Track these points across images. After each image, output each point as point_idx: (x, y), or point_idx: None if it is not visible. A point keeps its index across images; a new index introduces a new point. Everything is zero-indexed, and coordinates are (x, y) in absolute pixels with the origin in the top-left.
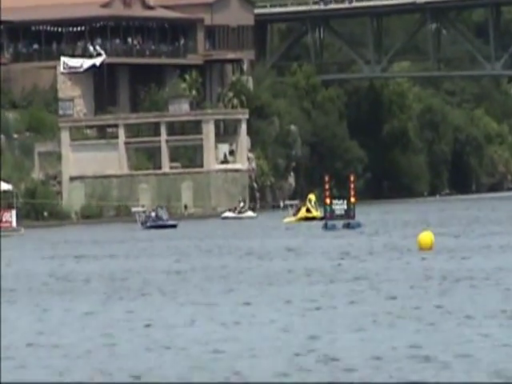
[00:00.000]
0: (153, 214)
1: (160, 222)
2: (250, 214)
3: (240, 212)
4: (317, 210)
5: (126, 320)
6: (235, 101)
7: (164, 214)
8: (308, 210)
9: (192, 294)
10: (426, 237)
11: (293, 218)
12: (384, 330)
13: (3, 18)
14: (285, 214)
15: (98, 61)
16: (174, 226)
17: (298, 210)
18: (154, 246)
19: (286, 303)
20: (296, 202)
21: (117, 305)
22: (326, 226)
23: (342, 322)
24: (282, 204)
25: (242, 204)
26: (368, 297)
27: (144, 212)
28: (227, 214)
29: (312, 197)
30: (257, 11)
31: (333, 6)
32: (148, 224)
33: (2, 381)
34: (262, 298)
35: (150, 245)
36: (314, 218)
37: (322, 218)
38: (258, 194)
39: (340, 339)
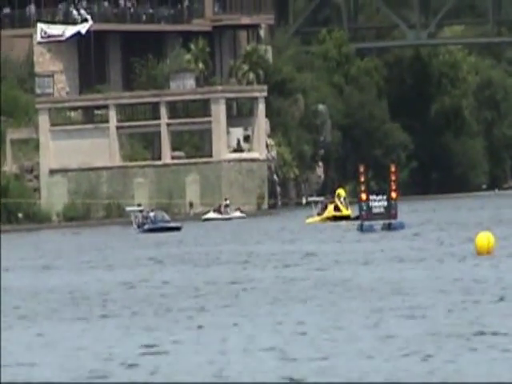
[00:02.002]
0: (151, 215)
1: (160, 224)
2: (237, 214)
3: (226, 213)
4: (347, 208)
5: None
6: (251, 75)
7: (164, 216)
8: (336, 208)
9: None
10: (485, 239)
11: (317, 218)
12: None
13: None
14: (309, 214)
15: (83, 28)
16: (177, 229)
17: (325, 207)
18: (154, 253)
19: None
20: (321, 198)
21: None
22: (361, 228)
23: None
24: (304, 200)
25: (227, 202)
26: (423, 313)
27: (141, 212)
28: (210, 214)
29: (341, 192)
30: None
31: None
32: (146, 227)
33: (2, 381)
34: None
35: (148, 252)
36: (343, 218)
37: (355, 218)
38: (279, 189)
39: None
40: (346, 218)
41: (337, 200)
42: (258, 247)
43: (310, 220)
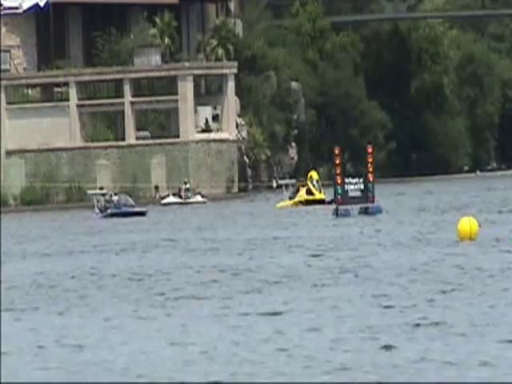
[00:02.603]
0: (115, 199)
1: (124, 209)
2: (198, 198)
3: (186, 197)
4: (320, 192)
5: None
6: (220, 51)
7: (128, 200)
8: (309, 192)
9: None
10: (468, 224)
11: (289, 202)
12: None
13: None
14: (280, 198)
15: (41, 0)
16: (142, 214)
17: (297, 191)
18: (117, 239)
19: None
20: (292, 181)
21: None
22: (336, 212)
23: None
24: (275, 184)
25: (187, 186)
26: (401, 302)
27: (103, 195)
28: (170, 199)
29: (314, 174)
30: None
31: None
32: (109, 211)
33: (2, 381)
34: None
35: (111, 238)
36: (317, 202)
37: (329, 202)
38: (249, 172)
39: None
40: (320, 202)
41: (309, 183)
42: (220, 233)
43: (280, 204)
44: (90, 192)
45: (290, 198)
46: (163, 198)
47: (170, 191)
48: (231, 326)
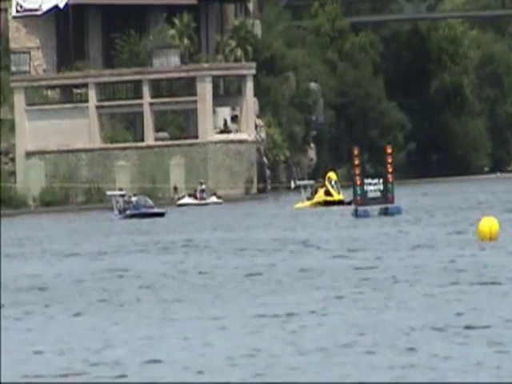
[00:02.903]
0: (134, 199)
1: (143, 210)
2: (213, 199)
3: (202, 198)
4: (339, 193)
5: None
6: (239, 51)
7: (147, 201)
8: (327, 193)
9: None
10: (488, 225)
11: (307, 203)
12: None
13: None
14: (298, 199)
15: (61, 1)
16: (161, 215)
17: (315, 192)
18: (137, 240)
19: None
20: (311, 182)
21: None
22: (356, 213)
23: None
24: (293, 185)
25: (203, 186)
26: (418, 306)
27: (122, 196)
28: (186, 200)
29: (332, 175)
30: None
31: None
32: (128, 212)
33: (2, 381)
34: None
35: (131, 239)
36: (335, 203)
37: (348, 203)
38: (268, 172)
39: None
40: (339, 202)
41: (327, 184)
42: (238, 234)
43: (299, 205)
44: (109, 193)
45: (308, 199)
46: (179, 198)
47: (185, 192)
48: (249, 327)
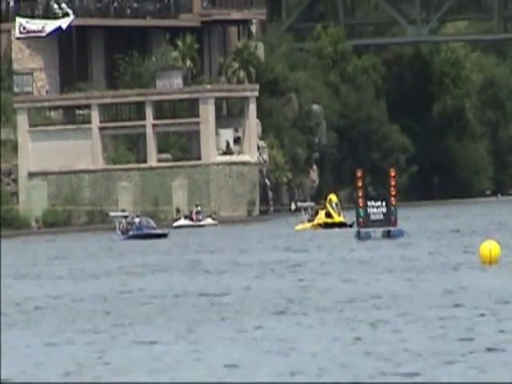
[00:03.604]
0: (137, 221)
1: (146, 231)
2: (209, 221)
3: (198, 220)
4: (339, 215)
5: None
6: (241, 73)
7: (150, 222)
8: (328, 215)
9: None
10: (489, 248)
11: (308, 225)
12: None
13: None
14: (299, 220)
15: (64, 23)
16: (163, 236)
17: (316, 213)
18: (139, 260)
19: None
20: (311, 203)
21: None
22: (358, 235)
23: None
24: (293, 206)
25: (198, 208)
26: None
27: (125, 218)
28: (182, 221)
29: (333, 197)
30: None
31: None
32: (130, 233)
33: (2, 381)
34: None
35: (133, 259)
36: (335, 225)
37: (350, 225)
38: (271, 194)
39: None
40: (339, 225)
41: (328, 206)
42: (238, 256)
43: (299, 227)
44: (112, 214)
45: (309, 221)
46: (175, 220)
47: (181, 214)
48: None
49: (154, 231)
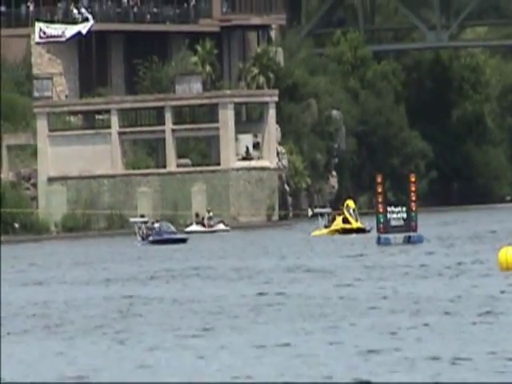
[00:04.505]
0: (156, 226)
1: (166, 236)
2: (221, 226)
3: (209, 225)
4: (357, 220)
5: None
6: (261, 79)
7: (170, 227)
8: (345, 220)
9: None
10: (508, 254)
11: (325, 230)
12: None
13: None
14: (316, 226)
15: (84, 28)
16: (183, 241)
17: (333, 219)
18: (160, 266)
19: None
20: (328, 209)
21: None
22: (378, 241)
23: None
24: (310, 212)
25: (210, 214)
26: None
27: (145, 223)
28: (193, 227)
29: (351, 203)
30: None
31: None
32: (151, 238)
33: (2, 381)
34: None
35: (152, 264)
36: (353, 230)
37: (366, 231)
38: (290, 200)
39: None
40: (357, 230)
41: (345, 212)
42: (254, 262)
43: (316, 232)
44: (131, 220)
45: (326, 227)
46: (187, 226)
47: (193, 219)
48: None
49: (174, 236)
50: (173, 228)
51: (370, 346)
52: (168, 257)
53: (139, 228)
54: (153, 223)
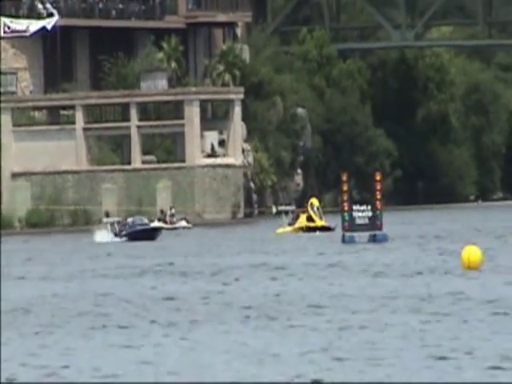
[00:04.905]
0: (129, 220)
1: (139, 228)
2: (183, 223)
3: (172, 222)
4: (321, 218)
5: None
6: (226, 76)
7: (143, 220)
8: (310, 218)
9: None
10: (473, 253)
11: (289, 228)
12: None
13: None
14: (280, 224)
15: (49, 23)
16: (157, 230)
17: (297, 217)
18: (116, 262)
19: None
20: (292, 207)
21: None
22: (344, 239)
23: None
24: (274, 210)
25: (173, 211)
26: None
27: (118, 223)
28: (155, 224)
29: (315, 201)
30: None
31: None
32: (124, 232)
33: (2, 381)
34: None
35: (111, 262)
36: (317, 228)
37: (330, 229)
38: (255, 197)
39: None
40: (321, 228)
41: (310, 210)
42: (214, 259)
43: (280, 230)
44: (105, 221)
45: (290, 225)
46: (150, 222)
47: (157, 216)
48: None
49: (147, 227)
50: (146, 221)
51: (320, 344)
52: (126, 254)
53: (112, 226)
54: (125, 218)
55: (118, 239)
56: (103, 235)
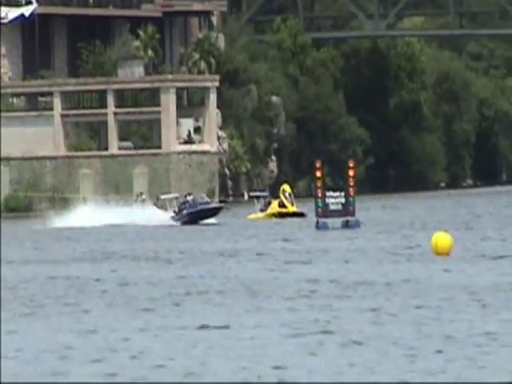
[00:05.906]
0: (189, 198)
1: (200, 207)
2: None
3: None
4: (293, 204)
5: None
6: (202, 64)
7: (204, 198)
8: (282, 204)
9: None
10: (442, 239)
11: (260, 214)
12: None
13: None
14: (252, 210)
15: (27, 10)
16: (219, 209)
17: (269, 203)
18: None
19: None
20: (264, 193)
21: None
22: (317, 225)
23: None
24: (246, 196)
25: (143, 197)
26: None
27: (176, 199)
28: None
29: (286, 187)
30: None
31: None
32: (185, 212)
33: (2, 381)
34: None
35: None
36: (289, 214)
37: (301, 215)
38: (230, 184)
39: None
40: (293, 214)
41: (282, 196)
42: (185, 245)
43: (252, 216)
44: (162, 197)
45: (262, 211)
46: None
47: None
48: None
49: (208, 206)
50: (207, 198)
51: (290, 331)
52: (94, 238)
53: (171, 204)
54: (185, 196)
55: (174, 221)
56: (158, 214)
